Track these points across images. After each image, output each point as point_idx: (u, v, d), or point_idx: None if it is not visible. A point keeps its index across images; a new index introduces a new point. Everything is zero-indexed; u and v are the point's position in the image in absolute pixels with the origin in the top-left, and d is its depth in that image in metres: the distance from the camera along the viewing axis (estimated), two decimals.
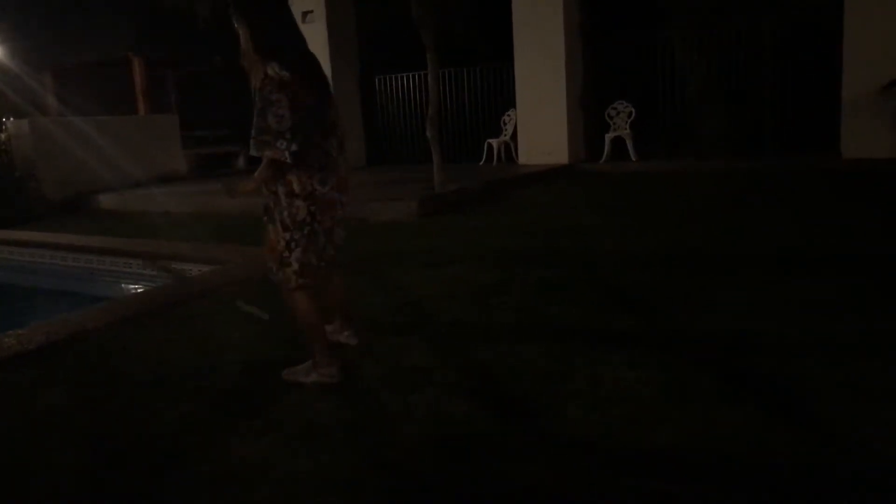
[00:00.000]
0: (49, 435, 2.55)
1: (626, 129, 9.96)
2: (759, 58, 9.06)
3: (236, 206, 7.60)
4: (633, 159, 9.78)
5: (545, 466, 2.09)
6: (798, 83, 8.93)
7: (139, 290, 5.26)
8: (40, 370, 3.16)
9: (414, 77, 11.93)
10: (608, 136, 10.01)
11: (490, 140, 10.97)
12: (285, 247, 2.78)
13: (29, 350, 3.36)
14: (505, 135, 10.94)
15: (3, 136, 10.41)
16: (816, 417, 2.29)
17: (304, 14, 11.50)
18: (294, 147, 2.60)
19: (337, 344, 3.11)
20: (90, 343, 3.51)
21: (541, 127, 10.20)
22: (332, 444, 2.33)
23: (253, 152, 2.63)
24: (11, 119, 10.66)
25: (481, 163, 11.01)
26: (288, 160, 2.61)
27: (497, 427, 2.39)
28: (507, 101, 10.82)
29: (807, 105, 8.87)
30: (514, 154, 10.77)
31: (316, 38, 11.44)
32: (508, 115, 10.90)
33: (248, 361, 3.13)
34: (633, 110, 9.97)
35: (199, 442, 2.40)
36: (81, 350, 3.43)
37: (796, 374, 2.59)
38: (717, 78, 9.31)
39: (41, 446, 2.47)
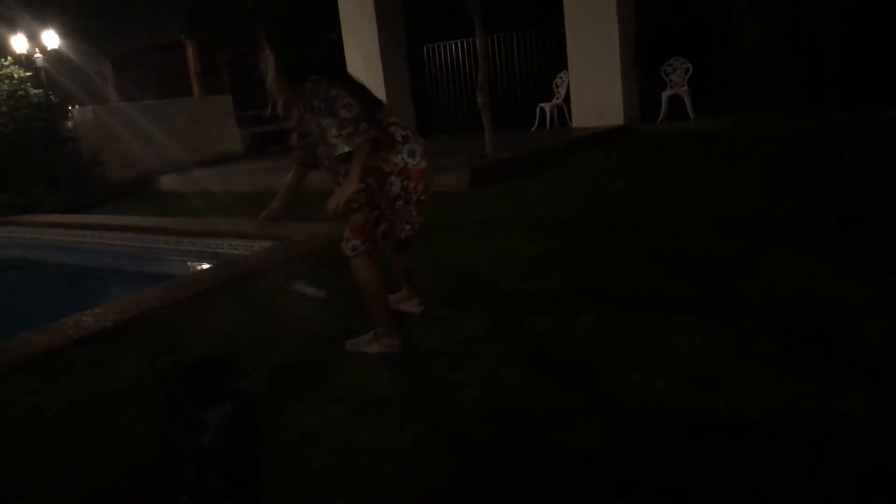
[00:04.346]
0: (125, 406, 2.67)
1: (683, 86, 9.62)
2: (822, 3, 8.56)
3: None
4: (692, 117, 9.46)
5: (606, 434, 2.08)
6: (865, 30, 8.39)
7: (204, 268, 5.43)
8: (115, 346, 3.32)
9: (462, 44, 11.78)
10: (665, 94, 9.69)
11: (542, 104, 10.77)
12: (375, 222, 2.85)
13: (105, 328, 3.53)
14: (557, 98, 10.73)
15: (69, 124, 10.85)
16: (893, 382, 2.19)
17: None
18: (373, 128, 2.65)
19: (401, 313, 3.16)
20: (160, 320, 3.66)
21: (594, 88, 9.93)
22: (393, 413, 2.38)
23: (345, 148, 2.60)
24: (77, 107, 11.07)
25: (534, 128, 10.85)
26: (376, 135, 2.65)
27: (557, 395, 2.38)
28: (559, 63, 10.57)
29: (875, 54, 8.33)
30: (567, 117, 10.57)
31: (363, 10, 11.41)
32: (560, 78, 10.67)
33: (310, 334, 3.20)
34: (691, 66, 9.61)
35: (264, 413, 2.48)
36: (152, 327, 3.58)
37: (867, 338, 2.48)
38: (777, 28, 8.85)
39: (118, 418, 2.59)
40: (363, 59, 11.29)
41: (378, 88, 10.76)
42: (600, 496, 1.82)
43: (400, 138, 2.78)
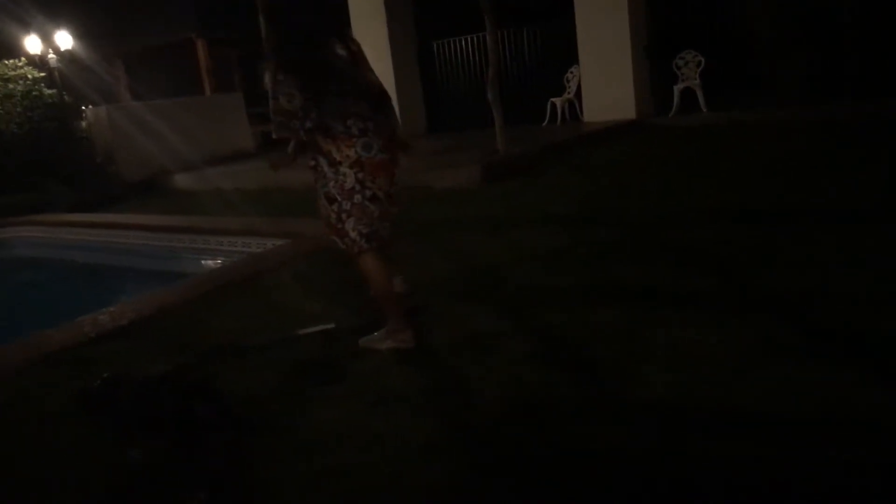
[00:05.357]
0: None
1: (695, 79, 9.53)
2: None
3: (304, 180, 7.72)
4: (704, 111, 9.38)
5: (623, 429, 2.08)
6: (883, 21, 8.27)
7: (218, 266, 5.45)
8: (131, 344, 3.34)
9: (472, 40, 11.74)
10: (677, 88, 9.61)
11: (553, 99, 10.72)
12: (337, 218, 2.82)
13: (121, 326, 3.57)
14: (568, 93, 10.67)
15: (83, 123, 10.93)
16: None
17: None
18: (309, 124, 2.63)
19: (413, 309, 3.16)
20: (175, 317, 3.69)
21: (605, 82, 9.87)
22: (409, 408, 2.38)
23: (274, 135, 2.67)
24: (90, 107, 11.16)
25: (545, 123, 10.80)
26: (304, 138, 2.67)
27: (573, 390, 2.38)
28: (570, 57, 10.52)
29: (892, 46, 8.21)
30: (578, 112, 10.52)
31: (372, 6, 11.41)
32: (571, 73, 10.61)
33: (325, 330, 3.21)
34: (703, 59, 9.52)
35: (283, 410, 2.49)
36: (167, 324, 3.60)
37: (885, 332, 2.44)
38: (792, 18, 8.75)
39: None
40: (373, 55, 11.21)
41: (388, 85, 10.70)
42: (615, 493, 1.81)
43: (357, 132, 2.69)
